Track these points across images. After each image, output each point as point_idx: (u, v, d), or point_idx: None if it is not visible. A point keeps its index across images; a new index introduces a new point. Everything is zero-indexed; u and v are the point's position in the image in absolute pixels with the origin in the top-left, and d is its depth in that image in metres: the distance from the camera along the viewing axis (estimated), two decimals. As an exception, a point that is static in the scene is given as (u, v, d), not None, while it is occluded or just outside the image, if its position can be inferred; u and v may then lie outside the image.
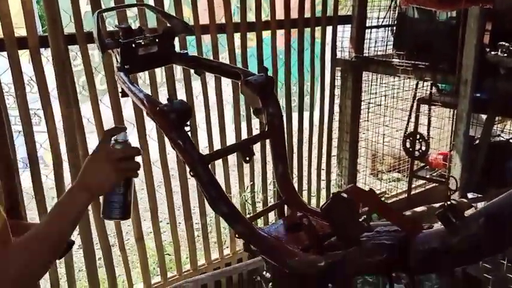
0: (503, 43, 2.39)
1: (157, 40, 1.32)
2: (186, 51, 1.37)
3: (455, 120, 2.55)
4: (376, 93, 3.19)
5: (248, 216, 1.09)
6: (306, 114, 3.06)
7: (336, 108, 3.25)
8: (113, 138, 1.02)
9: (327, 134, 3.25)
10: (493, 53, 2.47)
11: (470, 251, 0.63)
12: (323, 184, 3.33)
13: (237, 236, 1.02)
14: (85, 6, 2.56)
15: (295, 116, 3.00)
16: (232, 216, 1.01)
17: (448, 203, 0.62)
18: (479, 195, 2.92)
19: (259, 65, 2.66)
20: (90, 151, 2.22)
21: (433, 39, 2.63)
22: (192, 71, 1.39)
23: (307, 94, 3.05)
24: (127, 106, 2.41)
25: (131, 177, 1.05)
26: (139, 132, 2.43)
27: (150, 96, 1.09)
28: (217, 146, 2.65)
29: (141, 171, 2.62)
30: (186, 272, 2.83)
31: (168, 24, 1.36)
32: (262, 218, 2.82)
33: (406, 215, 0.97)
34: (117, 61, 1.29)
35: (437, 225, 0.71)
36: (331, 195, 0.81)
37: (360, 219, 0.80)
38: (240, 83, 1.18)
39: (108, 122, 2.36)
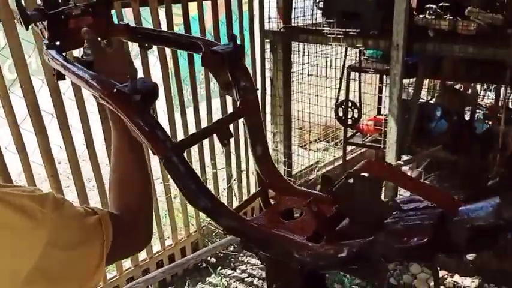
0: (431, 5, 2.42)
1: (90, 10, 1.09)
2: (127, 22, 1.16)
3: (390, 85, 2.56)
4: (306, 63, 3.13)
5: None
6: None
7: (268, 82, 3.16)
8: None
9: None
10: (421, 16, 2.49)
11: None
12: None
13: (225, 232, 0.87)
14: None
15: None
16: (217, 210, 0.85)
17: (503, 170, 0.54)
18: (412, 157, 3.02)
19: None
20: (2, 147, 1.95)
21: (362, 5, 2.60)
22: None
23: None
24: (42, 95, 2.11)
25: None
26: (60, 124, 2.15)
27: (99, 75, 0.88)
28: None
29: (67, 166, 2.31)
30: (127, 270, 2.63)
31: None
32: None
33: (439, 187, 0.88)
34: (44, 37, 1.05)
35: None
36: (344, 174, 0.70)
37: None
38: (201, 55, 1.00)
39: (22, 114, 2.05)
